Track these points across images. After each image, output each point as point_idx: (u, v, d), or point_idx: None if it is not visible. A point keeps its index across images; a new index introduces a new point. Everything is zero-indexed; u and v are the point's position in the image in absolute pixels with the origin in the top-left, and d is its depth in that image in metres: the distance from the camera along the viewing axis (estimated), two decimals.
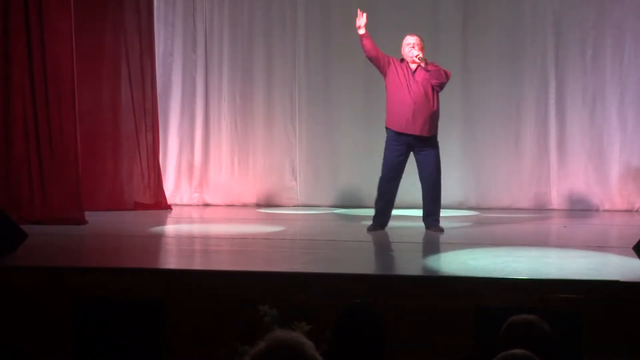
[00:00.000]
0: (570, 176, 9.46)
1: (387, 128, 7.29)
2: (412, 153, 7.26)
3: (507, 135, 9.58)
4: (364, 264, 5.80)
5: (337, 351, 3.40)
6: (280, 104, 10.02)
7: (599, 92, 9.39)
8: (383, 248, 6.75)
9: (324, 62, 9.91)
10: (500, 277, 4.95)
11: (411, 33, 7.38)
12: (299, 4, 9.94)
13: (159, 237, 7.55)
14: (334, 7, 9.86)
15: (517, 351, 2.64)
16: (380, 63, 7.26)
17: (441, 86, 7.21)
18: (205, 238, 7.56)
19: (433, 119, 7.18)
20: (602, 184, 9.39)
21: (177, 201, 10.05)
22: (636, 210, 9.28)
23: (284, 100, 10.01)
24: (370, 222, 7.36)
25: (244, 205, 9.95)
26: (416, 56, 7.12)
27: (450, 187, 9.09)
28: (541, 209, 9.38)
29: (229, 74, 10.10)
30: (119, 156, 9.43)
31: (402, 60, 7.30)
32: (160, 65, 9.99)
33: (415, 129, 7.12)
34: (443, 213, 7.44)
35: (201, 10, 10.10)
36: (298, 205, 9.91)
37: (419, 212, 7.45)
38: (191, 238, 7.68)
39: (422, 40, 7.27)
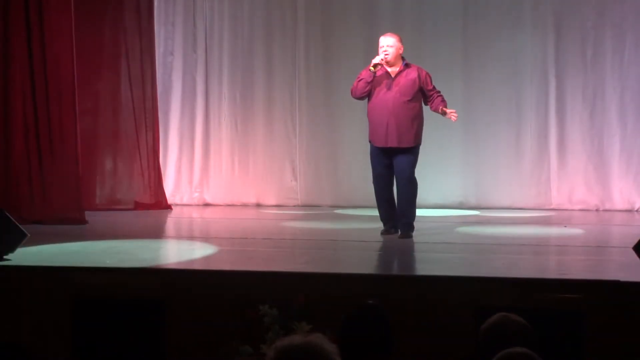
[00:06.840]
0: (570, 176, 9.46)
1: (369, 141, 7.01)
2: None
3: (507, 135, 9.57)
4: (364, 264, 5.80)
5: (344, 351, 3.40)
6: (281, 103, 10.01)
7: (599, 91, 9.38)
8: (385, 248, 6.76)
9: (324, 62, 9.90)
10: (500, 277, 4.96)
11: (385, 33, 7.07)
12: (299, 4, 9.92)
13: (159, 237, 7.55)
14: (334, 7, 9.85)
15: (517, 350, 2.64)
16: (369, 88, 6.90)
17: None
18: (206, 238, 7.56)
19: (415, 126, 6.82)
20: (602, 184, 9.38)
21: (177, 201, 10.04)
22: (636, 210, 9.28)
23: (285, 99, 10.00)
24: (373, 223, 7.34)
25: (244, 205, 9.95)
26: (372, 67, 6.74)
27: (451, 187, 9.10)
28: (541, 209, 9.38)
29: (230, 74, 10.09)
30: (119, 156, 9.43)
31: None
32: (160, 64, 9.98)
33: (393, 141, 6.80)
34: (443, 212, 7.44)
35: (201, 10, 10.09)
36: (298, 205, 9.90)
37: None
38: (192, 237, 7.68)
39: (397, 39, 6.88)
